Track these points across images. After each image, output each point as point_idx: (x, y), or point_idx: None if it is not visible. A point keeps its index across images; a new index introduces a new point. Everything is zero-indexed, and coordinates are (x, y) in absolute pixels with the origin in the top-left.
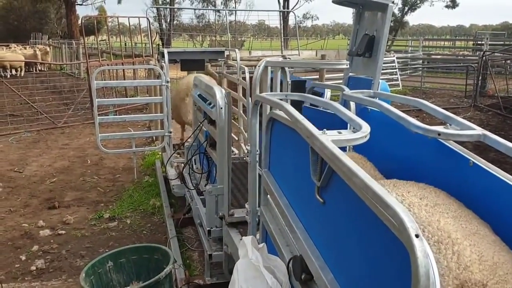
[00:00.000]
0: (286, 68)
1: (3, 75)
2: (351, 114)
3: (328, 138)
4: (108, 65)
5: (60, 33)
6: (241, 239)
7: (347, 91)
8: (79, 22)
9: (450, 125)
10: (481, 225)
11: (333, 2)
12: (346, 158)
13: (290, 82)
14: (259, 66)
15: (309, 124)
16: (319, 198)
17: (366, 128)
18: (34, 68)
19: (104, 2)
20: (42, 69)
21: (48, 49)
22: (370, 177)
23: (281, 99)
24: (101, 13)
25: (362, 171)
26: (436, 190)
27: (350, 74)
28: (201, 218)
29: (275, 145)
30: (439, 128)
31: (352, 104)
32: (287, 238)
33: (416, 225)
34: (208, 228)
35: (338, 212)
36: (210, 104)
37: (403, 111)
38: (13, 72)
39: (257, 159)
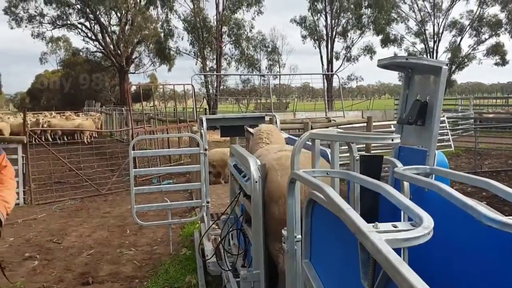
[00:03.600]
0: (353, 145)
1: (51, 141)
2: (407, 201)
3: (382, 236)
4: (153, 131)
5: (113, 100)
6: None
7: (399, 167)
8: (131, 89)
9: None
10: None
11: (378, 66)
12: (406, 269)
13: (357, 158)
14: (300, 138)
15: (356, 216)
16: None
17: (428, 222)
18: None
19: (155, 70)
20: (95, 135)
21: (101, 116)
22: None
23: (321, 177)
24: (152, 81)
25: None
26: None
27: (401, 144)
28: None
29: (317, 232)
30: None
31: (406, 182)
32: None
33: None
34: None
35: None
36: (245, 176)
37: None
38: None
39: (296, 247)
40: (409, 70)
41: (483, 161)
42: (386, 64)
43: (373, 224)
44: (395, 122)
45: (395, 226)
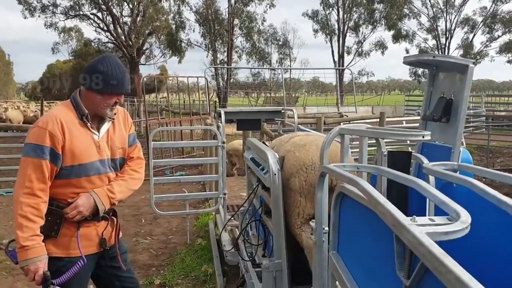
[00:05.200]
0: (381, 140)
1: None
2: (443, 196)
3: (422, 230)
4: (166, 123)
5: None
6: None
7: (426, 163)
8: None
9: None
10: None
11: (404, 62)
12: (451, 261)
13: (385, 154)
14: (330, 133)
15: (394, 209)
16: None
17: (466, 217)
18: None
19: (166, 62)
20: None
21: None
22: None
23: (351, 171)
24: (163, 72)
25: (477, 284)
26: None
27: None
28: None
29: (346, 224)
30: None
31: (431, 178)
32: None
33: None
34: None
35: None
36: (263, 169)
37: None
38: None
39: (324, 238)
40: (433, 68)
41: (495, 159)
42: (412, 61)
43: (410, 217)
44: (406, 118)
45: (432, 220)
